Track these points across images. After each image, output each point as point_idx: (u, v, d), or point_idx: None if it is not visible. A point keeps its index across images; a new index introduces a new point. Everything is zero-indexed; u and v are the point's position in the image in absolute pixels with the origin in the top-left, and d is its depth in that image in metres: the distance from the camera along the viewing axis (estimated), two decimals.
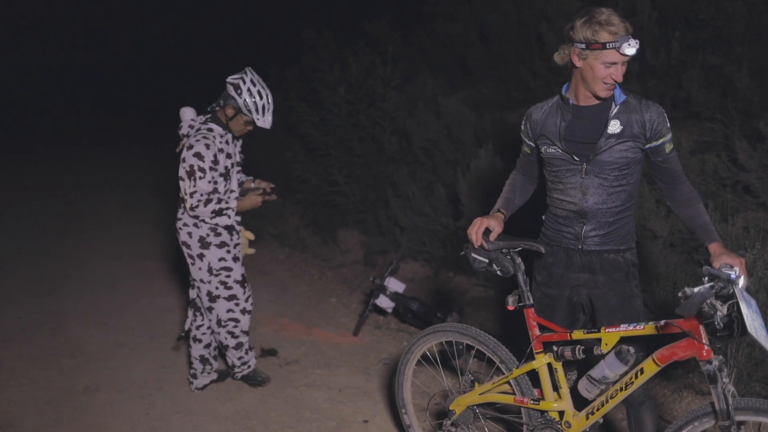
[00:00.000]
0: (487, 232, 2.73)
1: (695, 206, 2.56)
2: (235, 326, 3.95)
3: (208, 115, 3.75)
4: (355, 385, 4.14)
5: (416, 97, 6.53)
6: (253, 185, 3.96)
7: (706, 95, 4.92)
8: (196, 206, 3.63)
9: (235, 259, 3.89)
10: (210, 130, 3.67)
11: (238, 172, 3.95)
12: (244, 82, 3.61)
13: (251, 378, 4.14)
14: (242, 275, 3.93)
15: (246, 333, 4.04)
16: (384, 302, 4.75)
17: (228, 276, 3.86)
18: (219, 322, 3.93)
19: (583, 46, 2.46)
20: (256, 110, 3.63)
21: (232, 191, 3.82)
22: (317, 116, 6.72)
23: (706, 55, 5.16)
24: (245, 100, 3.61)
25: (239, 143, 3.89)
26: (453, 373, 3.44)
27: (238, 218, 3.92)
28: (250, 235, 4.06)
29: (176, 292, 5.66)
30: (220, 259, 3.82)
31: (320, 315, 5.31)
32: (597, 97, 2.58)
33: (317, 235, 6.94)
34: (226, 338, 3.98)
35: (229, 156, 3.75)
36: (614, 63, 2.46)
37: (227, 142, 3.73)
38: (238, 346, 4.02)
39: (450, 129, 5.96)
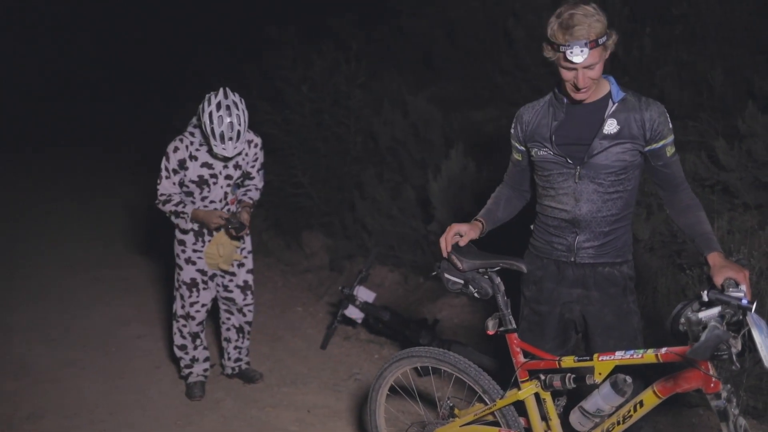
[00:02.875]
0: (461, 250, 2.50)
1: (695, 214, 2.35)
2: (184, 325, 3.94)
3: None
4: (324, 404, 3.89)
5: (382, 95, 6.32)
6: (234, 208, 3.82)
7: (679, 93, 4.81)
8: (156, 202, 3.70)
9: (189, 261, 3.82)
10: (192, 134, 3.65)
11: (231, 185, 3.77)
12: (209, 104, 3.47)
13: (188, 388, 3.99)
14: (192, 279, 3.83)
15: (194, 339, 3.96)
16: (353, 313, 4.52)
17: (178, 274, 3.88)
18: (173, 314, 3.97)
19: (548, 43, 2.30)
20: (213, 136, 3.47)
21: (212, 201, 3.74)
22: (280, 115, 6.48)
23: (679, 51, 5.05)
24: (205, 122, 3.47)
25: (243, 158, 3.73)
26: (429, 389, 3.24)
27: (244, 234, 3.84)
28: (237, 244, 3.86)
29: (131, 303, 5.34)
30: (176, 255, 3.87)
31: (286, 326, 5.05)
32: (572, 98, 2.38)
33: (280, 238, 6.69)
34: (174, 333, 3.99)
35: (208, 166, 3.65)
36: (573, 68, 2.26)
37: (210, 153, 3.62)
38: (182, 348, 3.97)
39: (417, 128, 5.76)
